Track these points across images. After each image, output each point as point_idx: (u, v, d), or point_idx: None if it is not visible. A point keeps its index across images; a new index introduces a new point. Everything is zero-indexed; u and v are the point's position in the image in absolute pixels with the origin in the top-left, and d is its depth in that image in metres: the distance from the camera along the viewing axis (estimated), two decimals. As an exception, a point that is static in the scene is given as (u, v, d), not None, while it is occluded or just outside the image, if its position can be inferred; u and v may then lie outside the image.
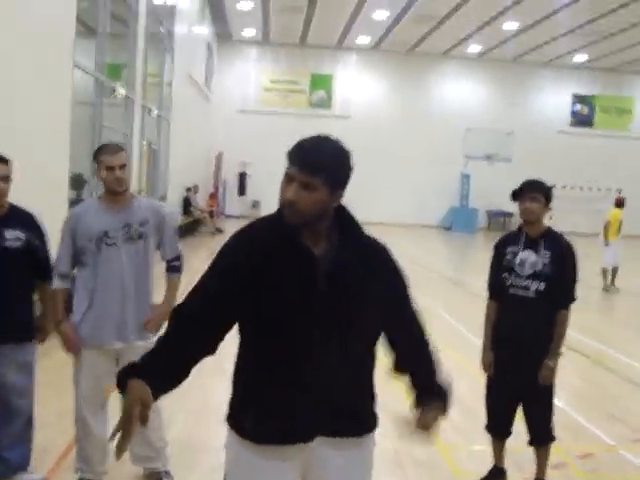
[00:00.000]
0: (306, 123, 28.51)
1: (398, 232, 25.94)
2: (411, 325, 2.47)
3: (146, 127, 15.18)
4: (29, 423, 4.17)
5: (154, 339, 3.95)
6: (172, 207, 4.35)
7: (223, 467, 2.41)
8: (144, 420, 2.04)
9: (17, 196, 4.01)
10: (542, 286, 4.18)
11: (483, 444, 4.66)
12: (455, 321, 9.02)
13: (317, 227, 2.21)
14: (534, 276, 4.20)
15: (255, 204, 28.25)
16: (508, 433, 4.44)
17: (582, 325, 9.86)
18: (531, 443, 4.39)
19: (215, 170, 28.28)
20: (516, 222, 4.45)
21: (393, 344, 2.45)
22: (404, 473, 4.77)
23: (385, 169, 29.26)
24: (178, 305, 2.30)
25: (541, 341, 4.20)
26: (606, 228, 14.23)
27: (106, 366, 3.99)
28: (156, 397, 2.11)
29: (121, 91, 12.39)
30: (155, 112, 16.17)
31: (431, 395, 2.38)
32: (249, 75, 30.65)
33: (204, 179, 26.33)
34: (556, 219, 29.41)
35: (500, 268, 4.35)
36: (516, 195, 4.26)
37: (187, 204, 21.15)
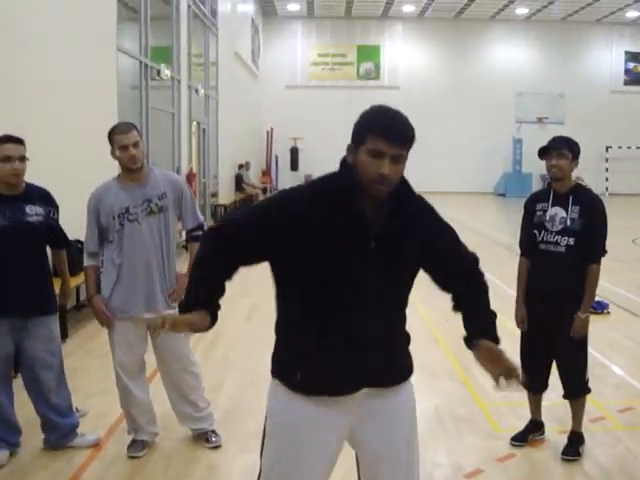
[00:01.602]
0: (355, 95, 28.48)
1: (452, 200, 25.79)
2: (463, 265, 2.53)
3: (194, 107, 15.42)
4: (60, 381, 4.42)
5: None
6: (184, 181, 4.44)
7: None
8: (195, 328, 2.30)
9: (71, 182, 4.21)
10: (572, 241, 4.23)
11: (522, 399, 4.74)
12: (506, 286, 9.02)
13: (382, 196, 2.28)
14: (564, 231, 4.25)
15: (308, 178, 28.37)
16: (544, 387, 4.52)
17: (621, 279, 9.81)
18: (566, 396, 4.45)
19: (267, 146, 28.51)
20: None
21: (448, 286, 2.53)
22: (444, 429, 4.90)
23: (436, 138, 29.00)
24: (215, 226, 2.44)
25: (573, 295, 4.24)
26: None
27: (138, 335, 4.26)
28: (212, 321, 2.33)
29: (166, 72, 12.61)
30: (202, 91, 16.39)
31: (481, 332, 2.43)
32: (296, 50, 30.71)
33: (256, 156, 26.58)
34: (612, 180, 28.92)
35: (531, 225, 4.41)
36: (543, 152, 4.30)
37: (239, 181, 21.42)
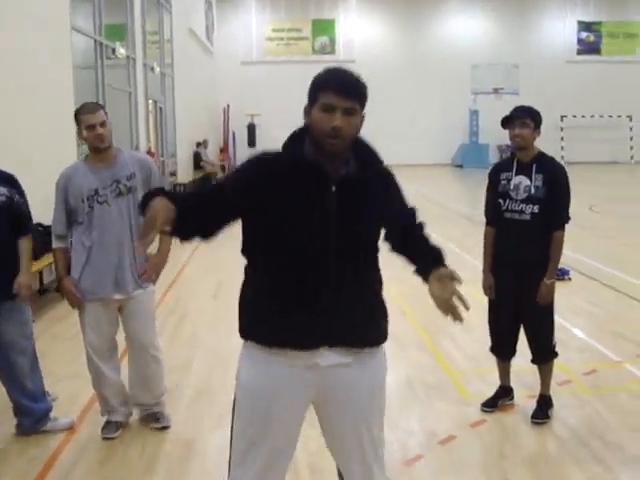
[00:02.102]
0: (311, 70, 27.38)
1: (410, 172, 25.87)
2: (408, 217, 2.58)
3: (150, 85, 15.23)
4: (33, 366, 4.38)
5: (152, 287, 4.36)
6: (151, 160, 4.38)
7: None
8: (166, 224, 2.13)
9: (28, 162, 4.14)
10: (536, 209, 4.29)
11: (492, 368, 4.83)
12: (469, 256, 9.15)
13: (341, 153, 2.35)
14: (528, 200, 4.31)
15: (265, 155, 28.24)
16: (511, 353, 4.62)
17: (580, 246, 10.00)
18: (534, 361, 4.56)
19: (223, 123, 28.29)
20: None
21: (393, 233, 2.56)
22: (416, 396, 4.98)
23: (393, 111, 29.12)
24: (209, 184, 2.54)
25: (538, 262, 4.33)
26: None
27: (109, 316, 4.26)
28: (176, 226, 2.18)
29: (121, 51, 12.43)
30: (158, 69, 16.19)
31: (431, 261, 2.41)
32: (250, 25, 30.50)
33: (213, 133, 26.37)
34: (568, 149, 29.34)
35: (495, 194, 4.48)
36: (506, 122, 4.36)
37: (198, 159, 21.24)
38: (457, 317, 2.29)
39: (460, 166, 29.01)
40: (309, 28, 30.89)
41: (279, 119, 26.95)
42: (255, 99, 29.18)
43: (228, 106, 28.45)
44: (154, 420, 4.50)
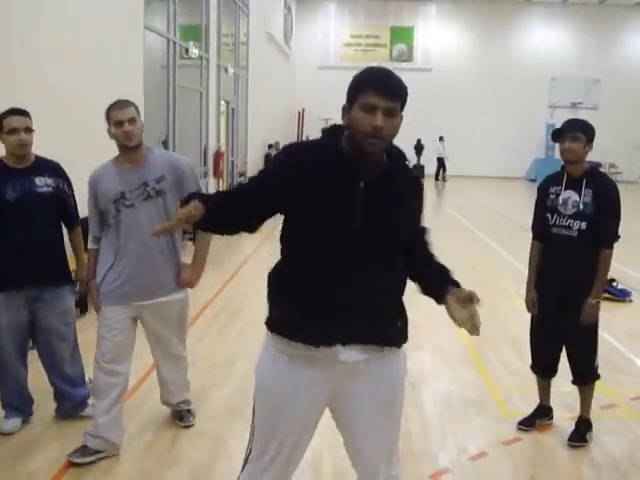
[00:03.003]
0: None
1: (483, 184, 25.67)
2: (423, 239, 2.58)
3: (223, 86, 15.45)
4: (74, 353, 4.51)
5: (177, 295, 4.12)
6: (186, 157, 4.29)
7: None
8: (193, 217, 2.25)
9: (94, 164, 4.18)
10: (584, 225, 4.17)
11: (533, 384, 4.71)
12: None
13: (377, 154, 2.36)
14: (576, 215, 4.20)
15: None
16: (552, 372, 4.49)
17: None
18: (574, 382, 4.42)
19: (298, 127, 28.49)
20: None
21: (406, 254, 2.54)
22: (453, 409, 4.90)
23: (468, 121, 28.82)
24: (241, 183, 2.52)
25: (584, 280, 4.20)
26: None
27: (127, 323, 4.05)
28: (205, 222, 2.30)
29: (194, 51, 12.64)
30: (231, 71, 16.40)
31: (446, 281, 2.42)
32: (329, 31, 30.65)
33: (287, 136, 26.57)
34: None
35: (544, 208, 4.37)
36: (556, 135, 4.25)
37: (268, 160, 21.40)
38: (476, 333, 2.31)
39: (534, 180, 28.44)
40: (387, 35, 30.83)
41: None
42: (330, 104, 29.01)
43: (303, 110, 28.65)
44: (179, 419, 4.55)
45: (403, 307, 2.53)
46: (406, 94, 2.33)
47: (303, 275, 2.38)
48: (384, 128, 2.26)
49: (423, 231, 2.58)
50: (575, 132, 4.17)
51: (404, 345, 2.54)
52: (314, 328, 2.36)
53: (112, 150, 4.06)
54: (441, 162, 28.07)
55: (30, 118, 4.18)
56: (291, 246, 2.45)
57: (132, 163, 3.95)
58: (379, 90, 2.26)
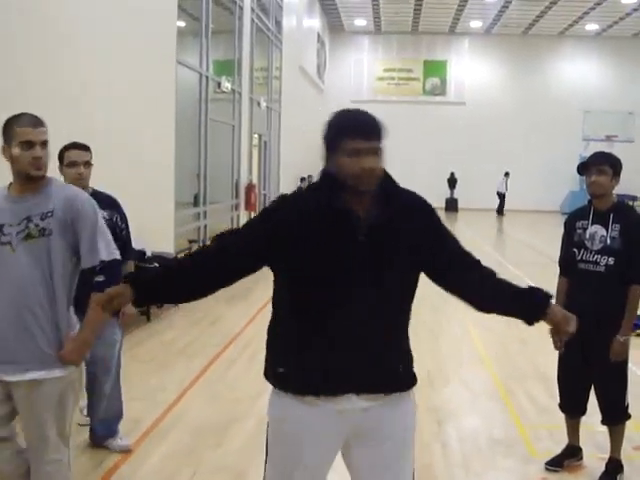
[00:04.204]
0: (420, 110, 28.42)
1: (517, 219, 25.44)
2: (468, 256, 2.49)
3: (255, 119, 15.59)
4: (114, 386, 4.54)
5: (62, 371, 3.01)
6: (89, 200, 3.22)
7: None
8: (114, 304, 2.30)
9: (126, 197, 4.19)
10: (612, 261, 4.09)
11: (562, 423, 4.59)
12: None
13: (371, 191, 2.32)
14: (603, 250, 4.12)
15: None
16: (581, 411, 4.38)
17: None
18: (604, 422, 4.30)
19: (330, 160, 28.56)
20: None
21: (461, 287, 2.48)
22: (478, 448, 4.79)
23: (502, 154, 28.68)
24: (222, 232, 2.47)
25: (612, 317, 4.10)
26: None
27: None
28: (139, 300, 2.41)
29: (226, 85, 12.79)
30: (264, 104, 16.56)
31: (539, 299, 2.45)
32: (362, 64, 30.82)
33: (319, 170, 26.70)
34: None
35: (571, 243, 4.30)
36: (582, 168, 4.20)
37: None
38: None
39: (567, 214, 28.16)
40: (420, 69, 30.94)
41: (386, 158, 27.06)
42: (363, 137, 29.34)
43: (336, 143, 28.75)
44: None
45: (410, 349, 2.49)
46: (384, 130, 2.32)
47: (306, 333, 2.34)
48: (375, 167, 2.26)
49: (462, 251, 2.47)
50: (601, 165, 4.11)
51: (413, 387, 2.49)
52: (326, 381, 2.32)
53: (151, 183, 4.07)
54: (501, 197, 28.11)
55: (90, 152, 4.29)
56: (289, 304, 2.39)
57: (22, 193, 3.02)
58: (361, 134, 2.25)
